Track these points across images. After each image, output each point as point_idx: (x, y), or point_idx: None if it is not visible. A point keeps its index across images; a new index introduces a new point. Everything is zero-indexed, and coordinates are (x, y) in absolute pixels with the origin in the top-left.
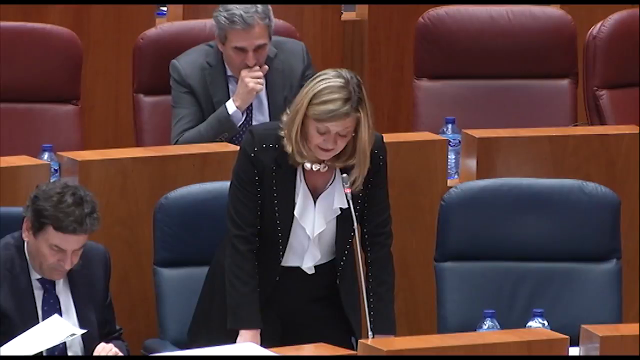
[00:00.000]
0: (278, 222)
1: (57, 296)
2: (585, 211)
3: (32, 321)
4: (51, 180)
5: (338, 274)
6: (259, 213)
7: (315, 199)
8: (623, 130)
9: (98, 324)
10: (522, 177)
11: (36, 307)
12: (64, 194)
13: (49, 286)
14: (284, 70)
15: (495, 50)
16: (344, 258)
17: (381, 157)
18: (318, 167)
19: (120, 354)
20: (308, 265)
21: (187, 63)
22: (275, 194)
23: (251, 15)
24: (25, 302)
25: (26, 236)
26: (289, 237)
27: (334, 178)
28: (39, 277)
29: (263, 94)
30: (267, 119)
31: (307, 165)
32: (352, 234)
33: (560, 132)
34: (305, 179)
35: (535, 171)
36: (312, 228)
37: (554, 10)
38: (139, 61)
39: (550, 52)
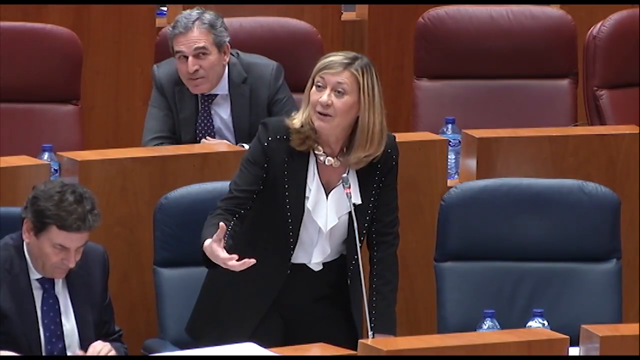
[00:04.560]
0: (289, 213)
1: (56, 296)
2: (585, 211)
3: (32, 321)
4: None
5: (349, 273)
6: (254, 195)
7: (327, 193)
8: (623, 130)
9: (95, 324)
10: (522, 177)
11: (35, 307)
12: (64, 193)
13: (48, 286)
14: (250, 96)
15: (495, 50)
16: (355, 257)
17: (394, 157)
18: (331, 162)
19: (113, 352)
20: (317, 261)
21: (164, 74)
22: (286, 185)
23: (191, 20)
24: (25, 302)
25: (27, 237)
26: (299, 229)
27: (348, 174)
28: (39, 277)
29: (229, 120)
30: (234, 142)
31: (321, 158)
32: (364, 231)
33: (560, 132)
34: (319, 173)
35: (535, 171)
36: (325, 222)
37: (554, 10)
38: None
39: (550, 52)
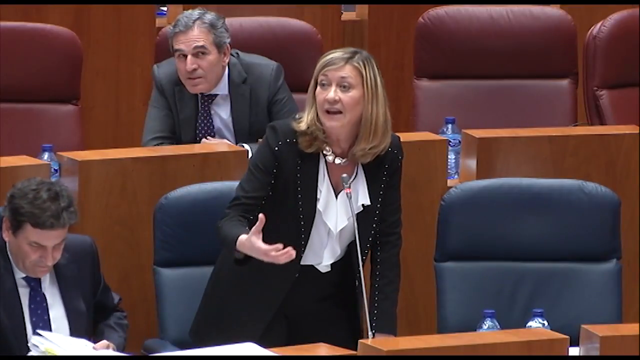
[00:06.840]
0: (301, 215)
1: (43, 293)
2: (585, 211)
3: (19, 320)
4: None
5: (357, 274)
6: (262, 202)
7: (336, 194)
8: (623, 130)
9: (88, 313)
10: (522, 177)
11: (22, 306)
12: (39, 191)
13: (34, 284)
14: (250, 97)
15: (495, 50)
16: (364, 258)
17: (399, 158)
18: (340, 161)
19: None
20: (327, 263)
21: (164, 74)
22: (299, 188)
23: (192, 19)
24: (11, 301)
25: (6, 236)
26: (310, 231)
27: (356, 174)
28: (24, 275)
29: (229, 120)
30: (234, 142)
31: (330, 158)
32: (372, 232)
33: (560, 132)
34: (329, 174)
35: (535, 171)
36: (335, 223)
37: (554, 10)
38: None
39: (550, 52)
